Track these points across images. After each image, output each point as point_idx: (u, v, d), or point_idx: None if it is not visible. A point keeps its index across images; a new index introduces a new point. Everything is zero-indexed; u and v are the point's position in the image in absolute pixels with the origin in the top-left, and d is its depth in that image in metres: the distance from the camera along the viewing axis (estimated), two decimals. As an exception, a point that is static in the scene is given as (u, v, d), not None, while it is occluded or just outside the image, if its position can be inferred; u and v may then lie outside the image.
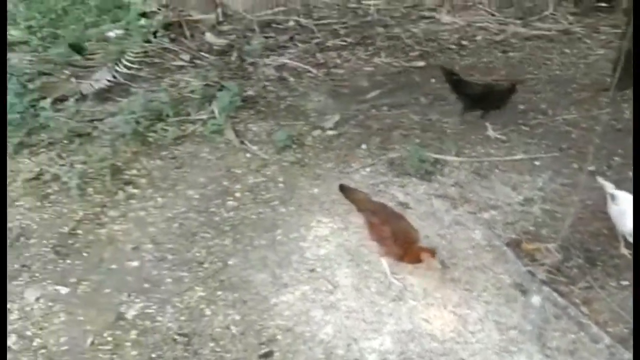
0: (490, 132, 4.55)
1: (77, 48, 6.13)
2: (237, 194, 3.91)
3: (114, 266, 3.28)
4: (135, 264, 3.30)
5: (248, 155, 4.38)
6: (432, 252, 2.94)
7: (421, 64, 5.83)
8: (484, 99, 4.56)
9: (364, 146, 4.46)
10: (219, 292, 3.10)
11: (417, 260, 2.96)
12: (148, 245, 3.42)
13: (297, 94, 5.30)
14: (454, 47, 6.23)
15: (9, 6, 7.42)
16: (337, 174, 4.11)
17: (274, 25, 6.76)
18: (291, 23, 6.79)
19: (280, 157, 4.31)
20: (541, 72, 5.71)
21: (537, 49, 6.21)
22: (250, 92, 5.24)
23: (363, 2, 7.39)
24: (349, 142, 4.51)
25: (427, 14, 7.01)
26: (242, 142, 4.51)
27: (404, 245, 2.98)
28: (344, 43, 6.32)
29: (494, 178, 4.06)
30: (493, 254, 3.36)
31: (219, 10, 6.87)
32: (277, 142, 4.42)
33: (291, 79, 5.56)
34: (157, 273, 3.22)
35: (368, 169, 4.18)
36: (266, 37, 6.39)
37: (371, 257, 3.27)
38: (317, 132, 4.63)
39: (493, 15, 6.96)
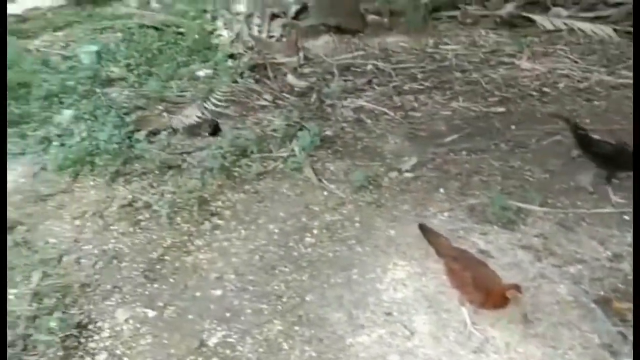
0: (612, 197, 4.19)
1: None
2: (315, 231, 3.99)
3: (198, 294, 3.44)
4: (218, 292, 3.43)
5: (326, 193, 4.48)
6: (518, 287, 2.83)
7: (501, 109, 5.76)
8: (613, 160, 4.17)
9: (442, 190, 4.44)
10: (297, 328, 3.15)
11: (501, 301, 2.85)
12: (231, 276, 3.56)
13: (374, 136, 5.39)
14: (535, 93, 6.11)
15: (111, 46, 8.19)
16: (414, 217, 4.10)
17: (352, 68, 6.97)
18: (369, 67, 6.97)
19: (357, 196, 4.38)
20: (628, 122, 5.47)
21: (623, 98, 5.97)
22: (328, 133, 5.39)
23: (441, 47, 7.49)
24: (427, 186, 4.51)
25: (506, 59, 6.96)
26: (320, 180, 4.63)
27: (486, 291, 2.90)
28: (421, 87, 6.39)
29: (580, 231, 3.89)
30: (580, 311, 3.20)
31: (301, 54, 7.20)
32: (353, 182, 4.51)
33: (368, 121, 5.67)
34: (239, 303, 3.33)
35: (446, 214, 4.14)
36: (345, 80, 6.59)
37: (450, 305, 3.21)
38: (393, 174, 4.67)
39: (576, 62, 6.80)
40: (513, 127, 5.37)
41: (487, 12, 8.38)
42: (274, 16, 9.25)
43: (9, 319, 3.27)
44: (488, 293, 2.88)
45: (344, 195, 4.39)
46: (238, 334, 3.11)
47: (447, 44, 7.58)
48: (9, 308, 3.35)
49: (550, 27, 7.67)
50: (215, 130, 5.46)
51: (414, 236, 3.71)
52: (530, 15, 7.95)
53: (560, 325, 3.10)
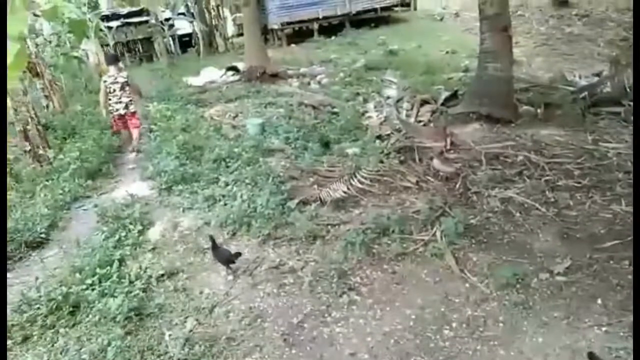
0: None
1: None
2: (454, 324, 3.85)
3: (331, 367, 3.49)
4: (351, 370, 3.45)
5: (467, 285, 4.33)
6: None
7: (674, 219, 5.15)
8: None
9: (599, 301, 4.02)
10: None
11: None
12: (364, 355, 3.57)
13: (523, 230, 5.13)
14: None
15: (274, 120, 9.10)
16: (566, 326, 3.76)
17: (501, 158, 6.83)
18: (520, 158, 6.77)
19: (501, 294, 4.16)
20: None
21: None
22: (473, 221, 5.28)
23: (601, 144, 7.02)
24: (582, 294, 4.12)
25: (680, 163, 6.27)
26: (461, 271, 4.50)
27: None
28: (578, 184, 6.00)
29: None
30: None
31: (449, 139, 7.27)
32: (498, 278, 4.30)
33: (517, 214, 5.44)
34: (371, 385, 3.30)
35: (604, 329, 3.73)
36: (493, 169, 6.46)
37: None
38: (544, 275, 4.36)
39: None
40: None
41: (655, 110, 7.74)
42: (423, 102, 9.58)
43: (162, 358, 3.64)
44: None
45: (487, 291, 4.20)
46: (368, 418, 3.07)
47: (608, 141, 7.09)
48: (164, 349, 3.73)
49: None
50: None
51: (565, 348, 3.38)
52: None
53: None
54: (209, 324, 4.02)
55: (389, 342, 3.69)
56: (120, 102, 7.98)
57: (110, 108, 8.10)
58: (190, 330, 3.91)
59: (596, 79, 9.77)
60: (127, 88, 7.96)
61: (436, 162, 6.71)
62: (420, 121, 8.74)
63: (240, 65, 14.42)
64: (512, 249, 4.82)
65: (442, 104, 9.37)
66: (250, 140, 8.00)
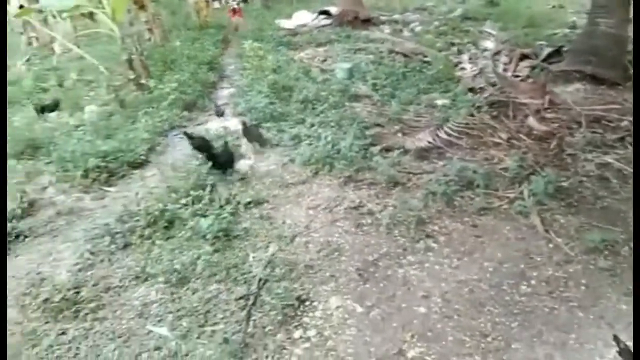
0: None
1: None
2: (533, 282, 3.79)
3: (404, 305, 3.59)
4: (422, 310, 3.53)
5: (550, 245, 4.21)
6: None
7: None
8: None
9: (698, 279, 3.76)
10: (498, 370, 3.06)
11: None
12: (437, 299, 3.62)
13: (619, 198, 4.83)
14: None
15: (362, 65, 9.00)
16: (655, 297, 3.57)
17: (603, 122, 6.36)
18: (625, 123, 6.27)
19: (587, 257, 4.00)
20: None
21: None
22: (564, 184, 5.03)
23: None
24: (678, 268, 3.87)
25: None
26: (546, 231, 4.36)
27: None
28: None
29: None
30: None
31: (547, 97, 6.86)
32: (586, 242, 4.13)
33: (614, 180, 5.11)
34: (441, 327, 3.38)
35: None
36: (592, 132, 6.05)
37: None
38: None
39: None
40: None
41: None
42: (523, 57, 9.01)
43: (246, 276, 3.93)
44: None
45: (572, 253, 4.06)
46: (436, 356, 3.16)
47: None
48: (248, 269, 4.02)
49: None
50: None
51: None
52: None
53: None
54: (289, 251, 4.25)
55: (463, 290, 3.72)
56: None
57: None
58: (272, 254, 4.17)
59: None
60: None
61: (531, 120, 6.39)
62: (517, 76, 8.27)
63: (333, 10, 14.23)
64: (603, 216, 4.58)
65: (543, 60, 8.77)
66: (338, 84, 8.01)
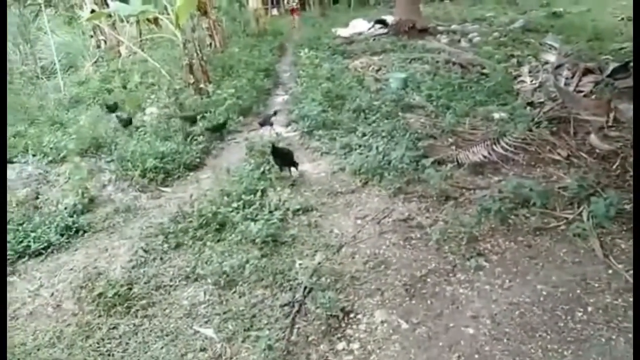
0: None
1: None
2: (589, 309, 3.60)
3: (451, 324, 3.50)
4: (470, 331, 3.43)
5: (610, 271, 3.99)
6: None
7: None
8: None
9: None
10: (547, 401, 2.92)
11: None
12: (486, 321, 3.51)
13: (688, 226, 4.52)
14: None
15: (418, 75, 8.90)
16: None
17: (675, 143, 5.97)
18: (699, 145, 5.86)
19: (651, 288, 3.76)
20: None
21: None
22: (627, 207, 4.76)
23: None
24: None
25: None
26: (605, 256, 4.15)
27: None
28: None
29: None
30: None
31: (612, 114, 6.53)
32: (650, 271, 3.89)
33: (684, 206, 4.79)
34: (489, 350, 3.27)
35: None
36: (662, 154, 5.69)
37: None
38: None
39: None
40: None
41: None
42: (586, 71, 8.63)
43: (291, 283, 3.96)
44: None
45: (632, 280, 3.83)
46: (483, 380, 3.06)
47: None
48: (294, 276, 4.05)
49: None
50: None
51: None
52: None
53: None
54: (336, 260, 4.25)
55: (514, 313, 3.58)
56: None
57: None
58: (319, 263, 4.18)
59: None
60: None
61: (593, 138, 6.09)
62: (580, 91, 7.92)
63: (389, 19, 14.19)
64: (672, 244, 4.29)
65: (609, 76, 8.34)
66: (392, 94, 7.97)
